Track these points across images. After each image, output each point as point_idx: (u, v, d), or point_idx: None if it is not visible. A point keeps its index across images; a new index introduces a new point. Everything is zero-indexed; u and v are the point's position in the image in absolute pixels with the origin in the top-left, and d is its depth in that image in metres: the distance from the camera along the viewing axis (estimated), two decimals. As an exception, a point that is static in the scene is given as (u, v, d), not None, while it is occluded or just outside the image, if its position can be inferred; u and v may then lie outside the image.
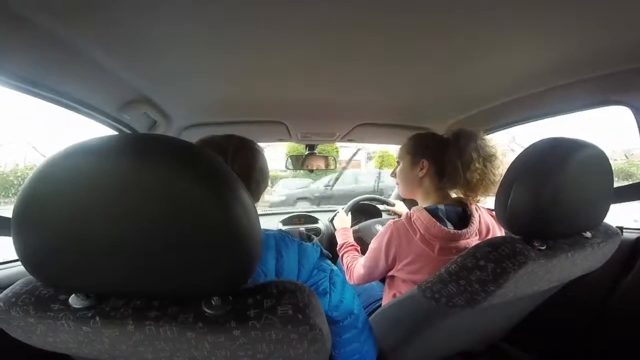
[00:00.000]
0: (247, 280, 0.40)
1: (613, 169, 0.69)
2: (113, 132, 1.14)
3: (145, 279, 0.37)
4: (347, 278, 1.15)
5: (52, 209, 0.33)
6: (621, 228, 1.03)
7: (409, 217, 0.94)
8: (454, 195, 1.03)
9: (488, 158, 0.92)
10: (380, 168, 14.45)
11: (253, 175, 0.77)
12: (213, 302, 0.39)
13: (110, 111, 1.05)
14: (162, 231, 0.34)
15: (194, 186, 0.32)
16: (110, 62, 0.82)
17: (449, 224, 0.91)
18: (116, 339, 0.41)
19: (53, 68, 0.79)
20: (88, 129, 1.13)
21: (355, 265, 1.13)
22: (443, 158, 0.97)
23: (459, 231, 0.89)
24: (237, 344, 0.39)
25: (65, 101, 0.90)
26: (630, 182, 1.00)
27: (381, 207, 2.03)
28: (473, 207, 0.96)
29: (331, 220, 2.00)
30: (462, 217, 0.95)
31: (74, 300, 0.41)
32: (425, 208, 0.93)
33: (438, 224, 0.88)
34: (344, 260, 1.25)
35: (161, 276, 0.37)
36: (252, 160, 0.78)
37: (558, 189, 0.59)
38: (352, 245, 1.34)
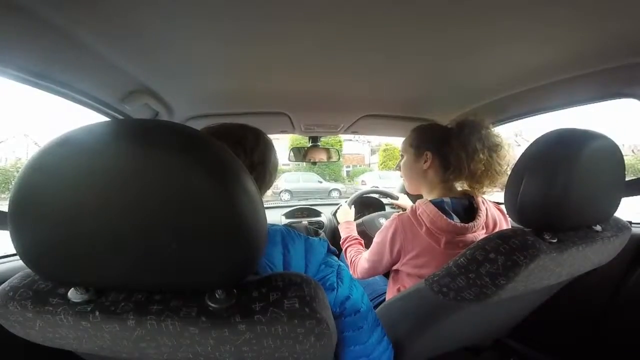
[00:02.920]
0: (252, 272, 0.39)
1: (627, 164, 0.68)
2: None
3: (147, 271, 0.36)
4: (350, 272, 1.13)
5: (48, 201, 0.32)
6: (630, 223, 1.02)
7: (414, 210, 0.93)
8: (459, 188, 1.02)
9: (493, 148, 0.91)
10: (384, 162, 14.47)
11: (268, 168, 0.77)
12: (217, 296, 0.38)
13: (111, 102, 1.05)
14: (165, 222, 0.33)
15: (199, 176, 0.31)
16: (111, 53, 0.82)
17: (455, 217, 0.91)
18: (117, 334, 0.40)
19: (54, 59, 0.78)
20: (89, 121, 1.13)
21: (359, 259, 1.13)
22: (446, 149, 0.96)
23: (466, 224, 0.88)
24: (243, 339, 0.38)
25: (66, 92, 0.89)
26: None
27: (385, 200, 2.03)
28: (480, 199, 0.95)
29: (334, 214, 2.01)
30: (469, 210, 0.95)
31: (73, 294, 0.40)
32: (430, 201, 0.92)
33: (444, 217, 0.87)
34: (348, 254, 1.25)
35: (163, 269, 0.36)
36: (269, 151, 0.78)
37: (570, 181, 0.58)
38: (356, 239, 1.34)
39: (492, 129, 0.94)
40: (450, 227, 0.87)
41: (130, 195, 0.32)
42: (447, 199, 0.94)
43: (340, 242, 1.38)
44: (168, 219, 0.33)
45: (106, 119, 1.10)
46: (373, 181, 11.60)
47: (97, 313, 0.39)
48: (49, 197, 0.32)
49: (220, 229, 0.34)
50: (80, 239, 0.34)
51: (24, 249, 0.35)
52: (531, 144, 0.64)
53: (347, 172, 15.95)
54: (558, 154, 0.59)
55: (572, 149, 0.58)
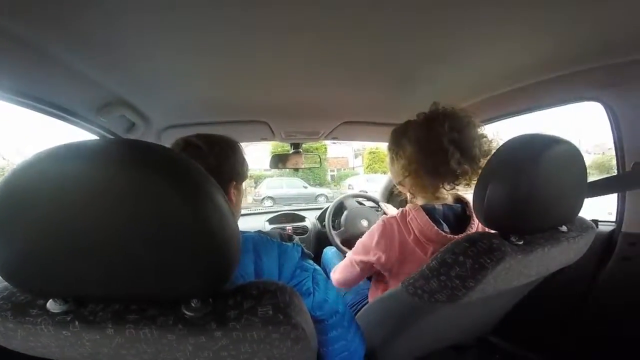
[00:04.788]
0: (226, 282, 0.41)
1: (597, 163, 0.73)
2: (90, 135, 1.15)
3: (123, 282, 0.38)
4: (332, 278, 1.10)
5: (23, 215, 0.34)
6: (596, 221, 1.10)
7: (404, 216, 0.90)
8: (446, 192, 0.96)
9: (460, 131, 0.84)
10: (370, 165, 14.53)
11: (232, 175, 0.77)
12: (193, 305, 0.40)
13: (85, 114, 1.06)
14: (136, 235, 0.35)
15: (165, 190, 0.33)
16: (85, 67, 0.84)
17: (445, 225, 0.88)
18: (97, 343, 0.42)
19: (24, 73, 0.80)
20: (64, 135, 1.13)
21: (342, 262, 1.09)
22: (418, 147, 0.90)
23: (456, 236, 0.84)
24: (220, 344, 0.41)
25: (38, 105, 0.90)
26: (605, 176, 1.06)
27: (367, 203, 2.07)
28: (472, 206, 0.90)
29: (318, 218, 2.05)
30: (461, 218, 0.92)
31: (52, 305, 0.42)
32: (422, 206, 0.89)
33: (434, 226, 0.84)
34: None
35: (138, 279, 0.38)
36: (224, 156, 0.77)
37: (533, 185, 0.61)
38: None
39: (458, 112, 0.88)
40: (440, 238, 0.84)
41: (102, 210, 0.34)
42: (438, 206, 0.90)
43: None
44: (139, 232, 0.35)
45: (81, 130, 1.11)
46: (360, 185, 11.43)
47: (76, 323, 0.41)
48: (23, 212, 0.34)
49: (190, 242, 0.36)
50: (54, 252, 0.36)
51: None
52: (496, 150, 0.68)
53: (332, 176, 15.87)
54: (521, 159, 0.62)
55: (535, 154, 0.61)
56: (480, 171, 0.84)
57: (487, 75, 1.06)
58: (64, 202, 0.34)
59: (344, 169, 16.68)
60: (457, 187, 0.90)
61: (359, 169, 16.37)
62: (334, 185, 14.69)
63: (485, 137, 0.87)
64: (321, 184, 14.31)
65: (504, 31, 0.77)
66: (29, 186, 0.34)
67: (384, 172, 12.75)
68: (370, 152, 14.73)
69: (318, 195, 11.52)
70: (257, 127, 1.53)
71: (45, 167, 0.33)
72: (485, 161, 0.83)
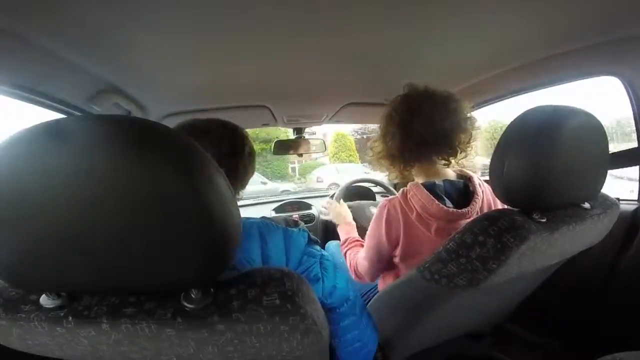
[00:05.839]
0: (225, 268, 0.39)
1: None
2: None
3: (117, 273, 0.36)
4: (353, 277, 1.11)
5: (7, 204, 0.31)
6: (618, 199, 1.12)
7: (405, 194, 0.90)
8: (451, 169, 0.98)
9: (417, 111, 0.87)
10: (337, 154, 14.20)
11: (240, 159, 0.75)
12: (192, 295, 0.38)
13: (78, 103, 0.99)
14: (130, 221, 0.33)
15: (160, 171, 0.31)
16: (75, 55, 0.80)
17: (447, 201, 0.87)
18: (94, 339, 0.40)
19: (11, 60, 0.75)
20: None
21: (357, 260, 1.09)
22: (382, 132, 0.96)
23: (459, 210, 0.84)
24: (224, 339, 0.38)
25: (27, 94, 0.85)
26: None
27: (376, 189, 2.09)
28: (476, 182, 0.91)
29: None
30: (464, 194, 0.91)
31: (44, 300, 0.40)
32: (422, 184, 0.88)
33: (436, 201, 0.84)
34: (347, 259, 1.21)
35: (133, 270, 0.36)
36: (239, 142, 0.75)
37: (554, 158, 0.59)
38: (356, 241, 1.27)
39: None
40: (442, 213, 0.83)
41: (93, 196, 0.32)
42: (439, 182, 0.89)
43: (340, 246, 1.32)
44: (131, 217, 0.33)
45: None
46: (331, 177, 10.24)
47: (70, 318, 0.39)
48: (9, 201, 0.31)
49: (186, 225, 0.34)
50: (44, 244, 0.33)
51: None
52: (513, 121, 0.64)
53: (292, 168, 15.51)
54: (540, 130, 0.59)
55: (556, 125, 0.58)
56: (455, 148, 0.89)
57: (495, 50, 1.05)
58: (50, 189, 0.31)
59: (306, 160, 16.46)
60: (413, 166, 0.95)
61: (322, 159, 16.28)
62: (298, 179, 14.09)
63: (458, 112, 0.88)
64: (282, 177, 13.79)
65: (514, 3, 0.76)
66: (8, 174, 0.31)
67: (351, 161, 12.61)
68: (335, 140, 14.36)
69: (282, 192, 10.68)
70: (259, 112, 1.50)
71: (21, 152, 0.31)
72: (462, 136, 0.88)
